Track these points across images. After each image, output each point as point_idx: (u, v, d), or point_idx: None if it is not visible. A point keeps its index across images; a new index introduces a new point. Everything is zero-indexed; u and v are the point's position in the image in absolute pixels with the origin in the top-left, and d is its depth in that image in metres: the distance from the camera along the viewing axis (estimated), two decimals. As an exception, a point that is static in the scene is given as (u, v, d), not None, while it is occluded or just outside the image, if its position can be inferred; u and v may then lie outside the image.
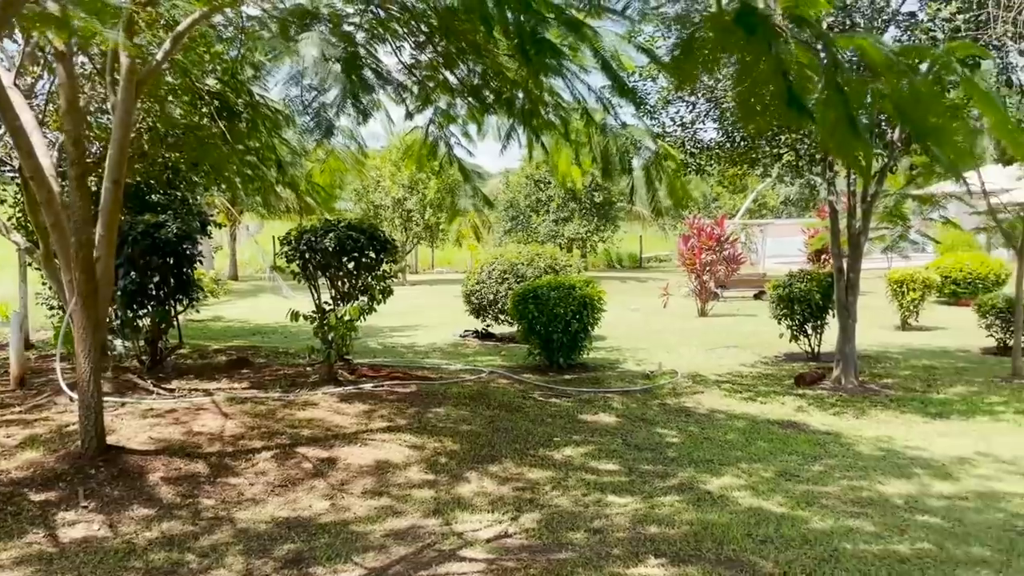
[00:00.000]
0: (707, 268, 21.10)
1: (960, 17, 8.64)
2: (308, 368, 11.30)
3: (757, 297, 23.71)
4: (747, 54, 4.68)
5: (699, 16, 5.50)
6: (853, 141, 4.52)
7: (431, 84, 9.54)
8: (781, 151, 11.75)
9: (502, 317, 15.30)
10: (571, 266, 16.03)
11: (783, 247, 30.92)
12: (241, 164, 11.96)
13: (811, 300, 12.98)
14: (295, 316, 10.15)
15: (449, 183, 25.07)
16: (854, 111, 4.39)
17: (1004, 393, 10.58)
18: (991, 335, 14.01)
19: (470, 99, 9.60)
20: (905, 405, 9.98)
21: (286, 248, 10.63)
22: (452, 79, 9.32)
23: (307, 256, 10.51)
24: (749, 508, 6.10)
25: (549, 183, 33.79)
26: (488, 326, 16.04)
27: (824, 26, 8.86)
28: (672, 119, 11.08)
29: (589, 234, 35.96)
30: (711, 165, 11.72)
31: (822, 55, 4.59)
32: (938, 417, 9.36)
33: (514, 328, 14.07)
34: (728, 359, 13.64)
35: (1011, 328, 12.64)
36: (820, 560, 5.09)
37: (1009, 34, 8.75)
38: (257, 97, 11.31)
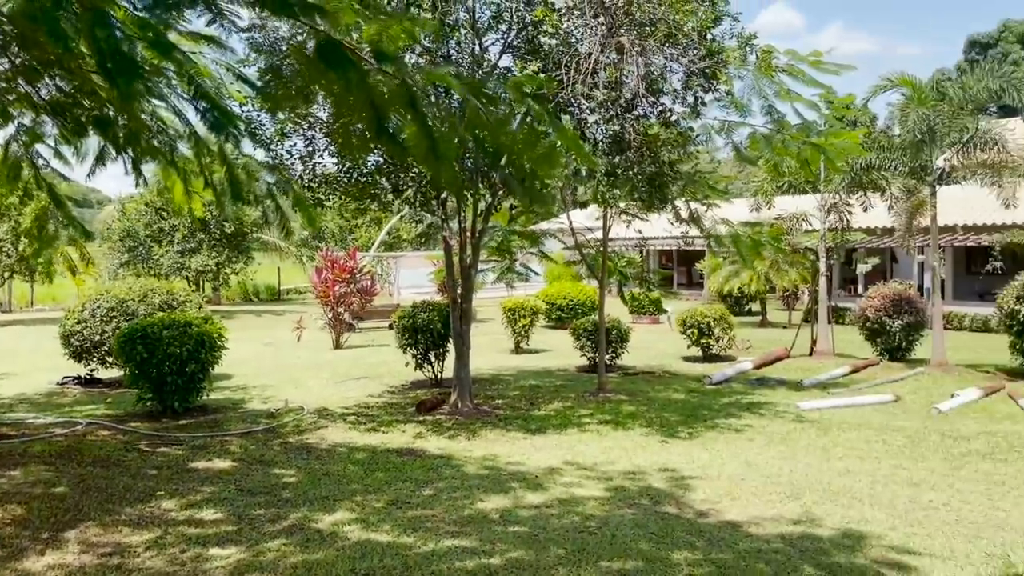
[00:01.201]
0: (341, 300, 21.19)
1: (543, 76, 9.78)
2: None
3: (391, 327, 24.35)
4: (337, 86, 4.78)
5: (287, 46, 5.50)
6: (437, 167, 4.83)
7: (10, 97, 8.35)
8: (401, 187, 12.21)
9: (110, 360, 13.78)
10: (191, 301, 14.99)
11: (416, 278, 32.29)
12: None
13: (433, 329, 13.65)
14: None
15: (44, 209, 22.05)
16: (440, 141, 4.68)
17: (591, 406, 12.08)
18: (584, 355, 15.99)
19: (60, 118, 8.59)
20: (511, 423, 10.91)
21: None
22: (36, 94, 8.25)
23: None
24: (358, 542, 6.13)
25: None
26: (93, 371, 14.34)
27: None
28: (289, 151, 10.98)
29: (220, 266, 34.12)
30: (330, 198, 11.82)
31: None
32: (537, 432, 10.36)
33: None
34: (357, 391, 13.77)
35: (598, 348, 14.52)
36: (418, 584, 5.28)
37: (583, 94, 10.09)
38: None
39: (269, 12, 6.60)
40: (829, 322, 18.23)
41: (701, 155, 15.88)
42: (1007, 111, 40.29)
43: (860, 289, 26.48)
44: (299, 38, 8.80)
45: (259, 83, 8.25)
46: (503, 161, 5.73)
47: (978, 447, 9.40)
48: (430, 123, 4.78)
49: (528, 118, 8.93)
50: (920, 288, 22.82)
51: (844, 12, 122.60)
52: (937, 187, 15.82)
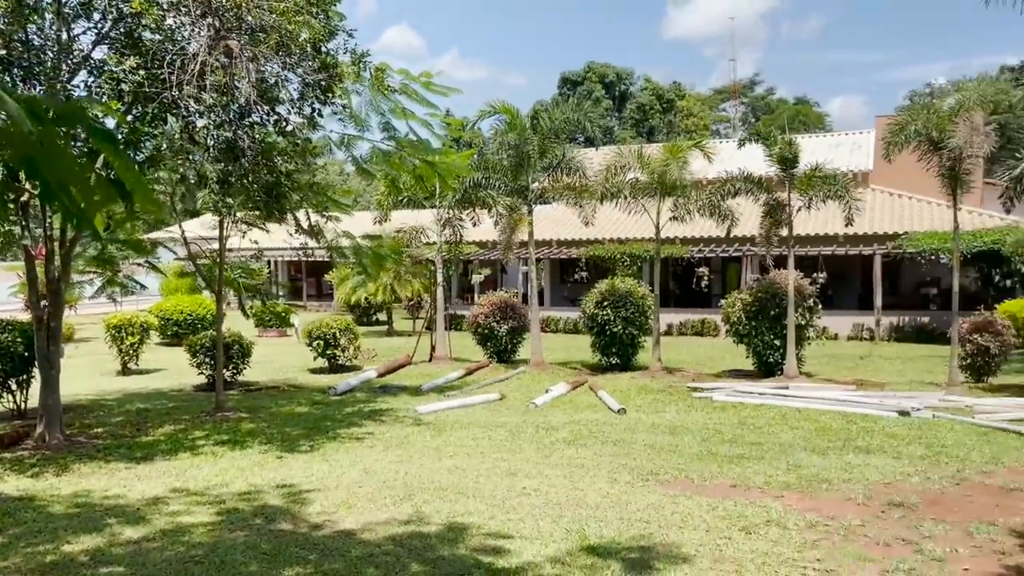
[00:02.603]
0: None
1: (143, 72, 9.02)
2: None
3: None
4: None
5: None
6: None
7: None
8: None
9: None
10: None
11: (-2, 293, 27.71)
12: None
13: (14, 352, 11.81)
14: None
15: None
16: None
17: (207, 427, 11.40)
18: (202, 372, 15.05)
19: None
20: (112, 453, 9.84)
21: None
22: None
23: None
24: None
25: None
26: None
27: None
28: None
29: None
30: None
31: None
32: (142, 461, 9.48)
33: None
34: (-93, 431, 11.36)
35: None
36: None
37: (191, 96, 9.48)
38: None
39: None
40: (447, 329, 19.45)
41: (332, 167, 15.92)
42: (592, 142, 46.62)
43: (476, 298, 28.68)
44: None
45: None
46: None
47: (564, 435, 10.70)
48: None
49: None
50: (524, 296, 25.38)
51: (460, 40, 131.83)
52: (534, 206, 17.76)
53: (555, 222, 27.60)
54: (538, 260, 26.23)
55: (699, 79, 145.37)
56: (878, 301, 23.33)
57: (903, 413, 11.59)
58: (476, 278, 26.45)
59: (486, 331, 18.31)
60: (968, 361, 14.30)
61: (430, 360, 18.67)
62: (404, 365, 17.81)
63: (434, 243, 19.39)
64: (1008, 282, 21.65)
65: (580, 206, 16.53)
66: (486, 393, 14.24)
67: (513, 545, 6.39)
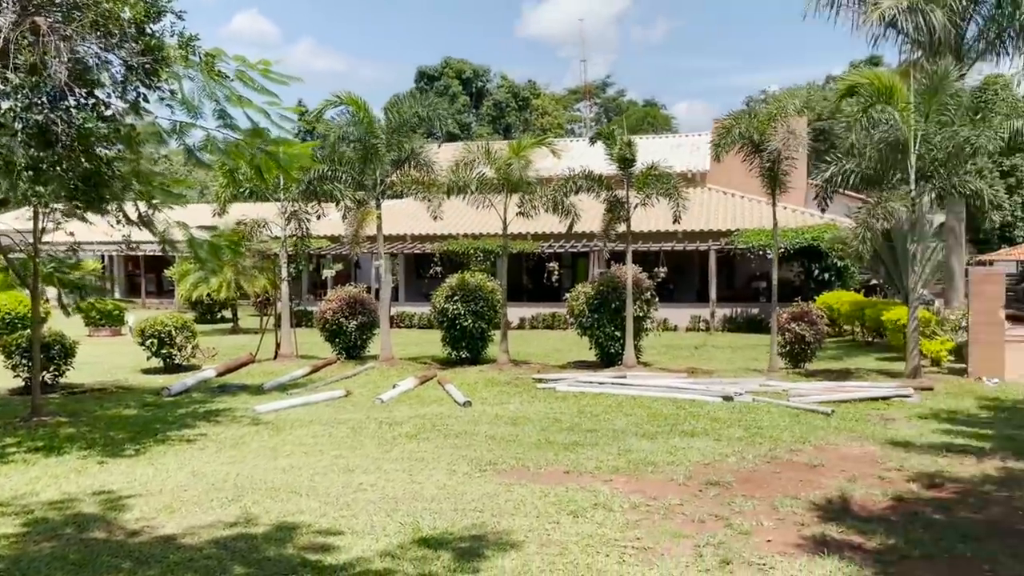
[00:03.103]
0: None
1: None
2: None
3: None
4: None
5: None
6: None
7: None
8: None
9: None
10: None
11: None
12: None
13: None
14: None
15: None
16: None
17: (20, 434, 10.56)
18: (18, 375, 13.93)
19: None
20: (-96, 466, 8.95)
21: None
22: None
23: None
24: None
25: None
26: None
27: None
28: None
29: None
30: None
31: None
32: (-59, 472, 8.68)
33: None
34: None
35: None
36: None
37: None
38: None
39: None
40: (293, 326, 18.92)
41: (176, 156, 15.09)
42: (451, 137, 46.64)
43: (328, 293, 28.08)
44: None
45: None
46: None
47: (407, 430, 10.67)
48: None
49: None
50: (378, 291, 25.09)
51: (315, 29, 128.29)
52: (384, 200, 17.57)
53: (410, 216, 27.45)
54: (393, 255, 26.01)
55: (554, 79, 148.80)
56: (713, 294, 24.74)
57: (727, 398, 12.36)
58: (328, 273, 25.88)
59: (334, 327, 17.97)
60: (787, 348, 15.43)
61: (275, 358, 18.10)
62: (246, 364, 17.20)
63: (279, 237, 18.79)
64: (826, 275, 23.52)
65: (429, 200, 16.51)
66: (331, 390, 13.97)
67: (343, 541, 6.33)
